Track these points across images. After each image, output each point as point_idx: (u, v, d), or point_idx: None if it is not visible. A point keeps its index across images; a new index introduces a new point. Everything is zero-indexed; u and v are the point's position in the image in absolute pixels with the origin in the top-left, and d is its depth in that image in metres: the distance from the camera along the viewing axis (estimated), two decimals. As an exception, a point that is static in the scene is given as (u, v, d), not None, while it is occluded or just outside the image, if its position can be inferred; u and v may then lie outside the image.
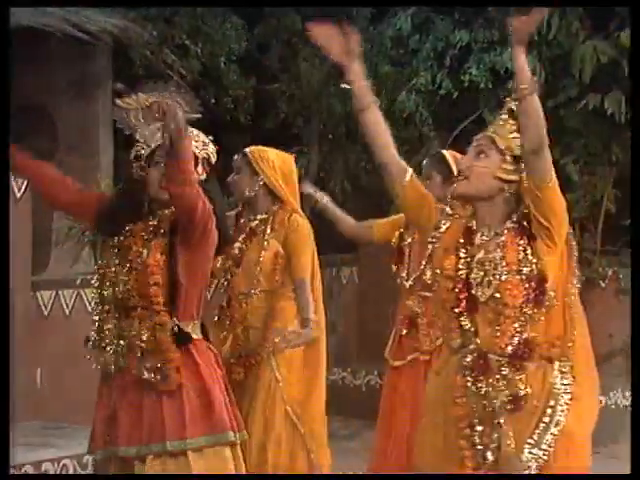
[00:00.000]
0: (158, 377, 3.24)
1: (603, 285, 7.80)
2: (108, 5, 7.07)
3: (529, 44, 8.54)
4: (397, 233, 4.74)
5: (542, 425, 2.96)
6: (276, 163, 4.50)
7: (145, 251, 3.31)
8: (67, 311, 6.20)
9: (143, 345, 3.28)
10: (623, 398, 6.89)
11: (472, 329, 2.97)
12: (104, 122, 6.99)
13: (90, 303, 6.25)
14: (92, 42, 6.52)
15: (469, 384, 2.96)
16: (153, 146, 3.34)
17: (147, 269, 3.27)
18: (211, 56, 7.49)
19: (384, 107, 7.79)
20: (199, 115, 3.35)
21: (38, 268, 6.37)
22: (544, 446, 2.95)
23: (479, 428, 2.95)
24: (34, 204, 6.06)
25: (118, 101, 3.38)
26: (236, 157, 4.53)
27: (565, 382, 3.01)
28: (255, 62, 8.15)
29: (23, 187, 5.96)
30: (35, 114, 7.00)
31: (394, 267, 4.70)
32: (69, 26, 6.32)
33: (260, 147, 4.55)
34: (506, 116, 3.18)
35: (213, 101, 7.89)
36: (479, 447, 2.96)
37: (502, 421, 2.94)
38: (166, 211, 3.34)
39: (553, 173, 2.99)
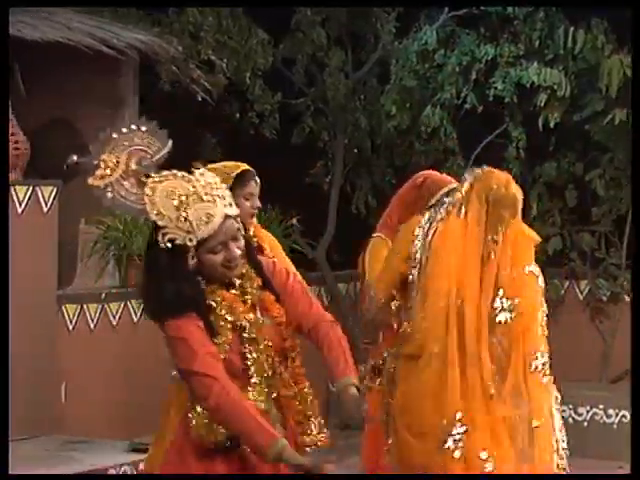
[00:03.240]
0: None
1: (628, 299, 7.74)
2: (105, 5, 7.13)
3: (555, 58, 8.49)
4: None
5: None
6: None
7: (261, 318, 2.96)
8: (92, 325, 6.22)
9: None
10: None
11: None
12: (130, 137, 7.01)
13: (115, 317, 6.31)
14: (119, 57, 6.56)
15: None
16: (201, 235, 2.83)
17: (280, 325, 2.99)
18: (237, 71, 7.51)
19: (408, 122, 7.90)
20: (168, 150, 2.89)
21: (64, 282, 6.40)
22: None
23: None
24: (61, 217, 6.09)
25: (91, 181, 2.85)
26: None
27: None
28: (281, 77, 8.17)
29: (50, 200, 6.00)
30: (63, 129, 7.05)
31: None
32: (95, 41, 6.36)
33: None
34: None
35: (238, 116, 7.92)
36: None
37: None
38: (254, 283, 2.95)
39: None
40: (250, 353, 2.87)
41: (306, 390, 2.99)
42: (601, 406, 6.94)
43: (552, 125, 7.46)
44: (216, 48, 7.28)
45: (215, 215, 2.83)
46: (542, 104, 7.42)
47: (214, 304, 2.87)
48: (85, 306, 6.19)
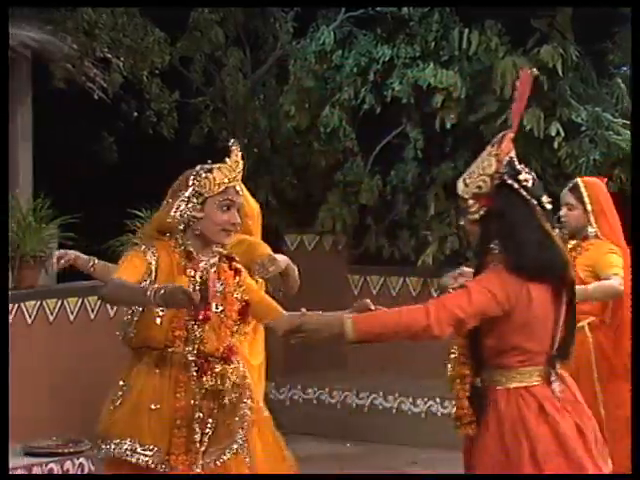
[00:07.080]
0: None
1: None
2: (103, 5, 7.02)
3: (450, 59, 8.61)
4: None
5: (238, 414, 3.52)
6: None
7: None
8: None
9: None
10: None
11: (200, 335, 3.48)
12: (24, 137, 6.89)
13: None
14: (11, 56, 6.41)
15: (192, 380, 3.46)
16: None
17: None
18: (133, 69, 7.43)
19: (307, 122, 7.93)
20: None
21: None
22: (239, 434, 3.53)
23: (199, 415, 3.43)
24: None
25: None
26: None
27: (247, 379, 3.60)
28: (178, 76, 8.12)
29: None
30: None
31: None
32: (-14, 40, 6.21)
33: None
34: None
35: (135, 114, 7.83)
36: (197, 433, 3.42)
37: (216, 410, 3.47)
38: None
39: None
40: None
41: None
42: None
43: (448, 126, 7.57)
44: (112, 46, 7.19)
45: None
46: (438, 105, 7.52)
47: None
48: None
